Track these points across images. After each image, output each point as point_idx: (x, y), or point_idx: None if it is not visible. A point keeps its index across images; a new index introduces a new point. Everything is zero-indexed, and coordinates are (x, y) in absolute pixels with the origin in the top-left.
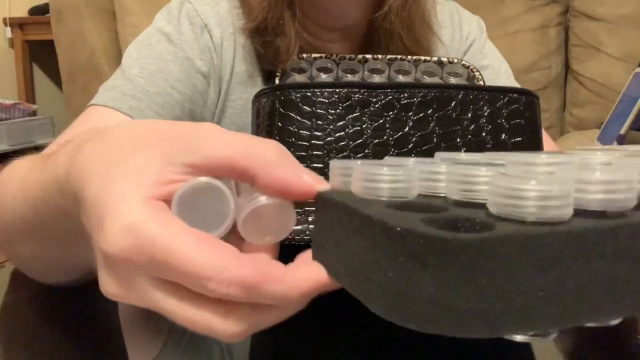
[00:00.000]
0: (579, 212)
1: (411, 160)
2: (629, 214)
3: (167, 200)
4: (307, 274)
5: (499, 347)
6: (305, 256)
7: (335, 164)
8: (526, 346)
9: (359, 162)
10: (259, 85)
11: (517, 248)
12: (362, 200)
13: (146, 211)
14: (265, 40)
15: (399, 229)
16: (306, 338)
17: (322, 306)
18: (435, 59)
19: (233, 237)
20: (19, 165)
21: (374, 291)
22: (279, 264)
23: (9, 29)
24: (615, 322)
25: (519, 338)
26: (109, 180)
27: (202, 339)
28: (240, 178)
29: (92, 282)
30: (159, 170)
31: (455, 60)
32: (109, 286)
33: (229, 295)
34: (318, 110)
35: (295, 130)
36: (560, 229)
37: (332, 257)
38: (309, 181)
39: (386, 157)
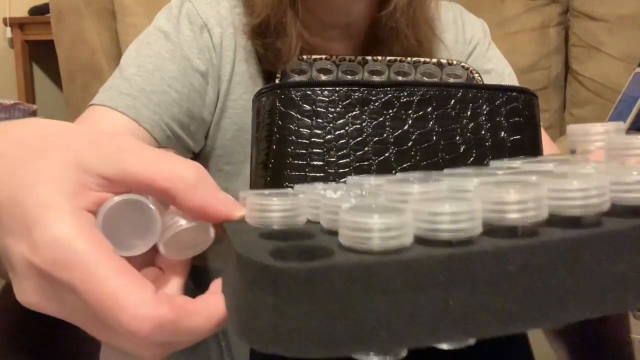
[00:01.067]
0: (426, 242)
1: (330, 186)
2: (475, 240)
3: (89, 210)
4: (217, 304)
5: (498, 348)
6: (216, 285)
7: (242, 195)
8: (526, 346)
9: (254, 192)
10: (259, 85)
11: (346, 276)
12: (242, 229)
13: (75, 226)
14: (266, 41)
15: (243, 257)
16: None
17: None
18: (434, 60)
19: (151, 249)
20: None
21: (232, 313)
22: (189, 299)
23: (9, 29)
24: (470, 342)
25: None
26: (24, 185)
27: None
28: (159, 197)
29: None
30: (76, 178)
31: (455, 62)
32: (28, 296)
33: (140, 331)
34: (318, 109)
35: (296, 128)
36: (393, 258)
37: (225, 285)
38: (225, 208)
39: (348, 178)
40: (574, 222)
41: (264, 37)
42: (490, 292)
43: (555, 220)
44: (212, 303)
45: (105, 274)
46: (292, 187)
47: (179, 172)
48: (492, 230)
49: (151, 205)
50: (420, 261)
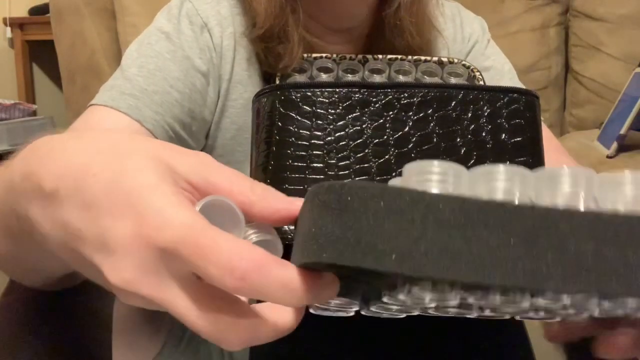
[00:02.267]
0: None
1: None
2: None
3: None
4: (312, 272)
5: (498, 348)
6: None
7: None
8: (526, 346)
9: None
10: (259, 85)
11: (380, 199)
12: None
13: (182, 204)
14: (268, 46)
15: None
16: (306, 339)
17: None
18: (435, 59)
19: None
20: None
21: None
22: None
23: (9, 29)
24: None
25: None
26: (123, 173)
27: (201, 340)
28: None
29: (90, 284)
30: (171, 175)
31: (456, 60)
32: (125, 272)
33: (240, 269)
34: (318, 110)
35: (296, 129)
36: (418, 195)
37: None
38: (296, 204)
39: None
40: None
41: (266, 42)
42: (516, 245)
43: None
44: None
45: (204, 227)
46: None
47: (254, 185)
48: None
49: (237, 209)
50: (456, 200)
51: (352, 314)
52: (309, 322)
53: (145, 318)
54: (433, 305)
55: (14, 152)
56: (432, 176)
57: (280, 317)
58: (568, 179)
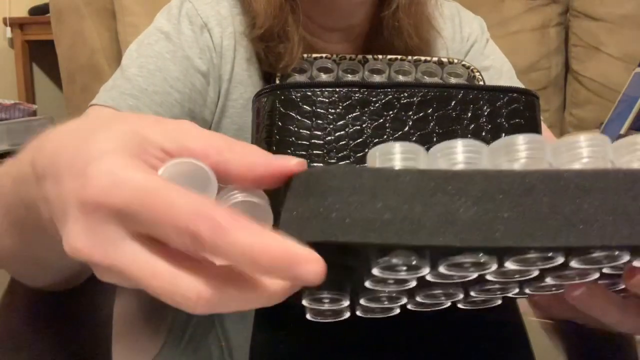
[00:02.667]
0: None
1: None
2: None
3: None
4: (283, 239)
5: (498, 348)
6: None
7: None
8: (526, 346)
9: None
10: (259, 85)
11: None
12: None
13: (132, 164)
14: (268, 45)
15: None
16: (306, 339)
17: None
18: (435, 59)
19: None
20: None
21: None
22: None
23: (9, 29)
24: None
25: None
26: (88, 139)
27: (201, 340)
28: (213, 170)
29: (90, 284)
30: (138, 143)
31: (456, 61)
32: (75, 240)
33: (197, 230)
34: (318, 110)
35: (296, 129)
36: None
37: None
38: (282, 160)
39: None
40: None
41: (266, 42)
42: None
43: None
44: (277, 234)
45: (160, 186)
46: None
47: (233, 144)
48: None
49: (207, 169)
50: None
51: (347, 315)
52: (308, 322)
53: (144, 318)
54: (407, 278)
55: (14, 152)
56: (394, 155)
57: (262, 282)
58: (523, 145)
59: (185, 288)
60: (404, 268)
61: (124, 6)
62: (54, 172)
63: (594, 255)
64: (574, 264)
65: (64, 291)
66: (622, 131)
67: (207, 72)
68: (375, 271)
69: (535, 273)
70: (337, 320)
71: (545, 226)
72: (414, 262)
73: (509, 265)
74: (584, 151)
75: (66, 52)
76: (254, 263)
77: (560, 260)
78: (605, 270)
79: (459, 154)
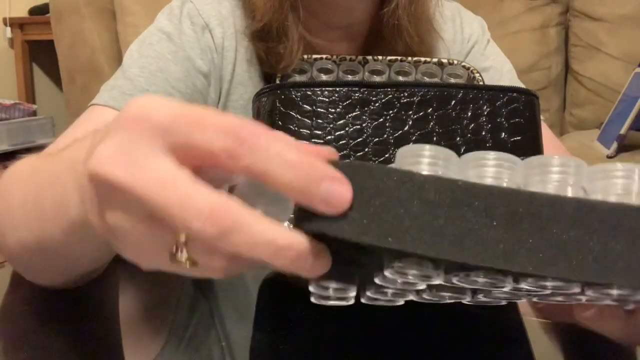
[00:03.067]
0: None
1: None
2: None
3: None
4: (286, 231)
5: (498, 348)
6: None
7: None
8: (526, 346)
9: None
10: (260, 86)
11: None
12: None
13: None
14: (267, 45)
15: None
16: (306, 338)
17: (322, 307)
18: (435, 60)
19: None
20: (27, 159)
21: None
22: None
23: (9, 29)
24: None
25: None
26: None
27: (202, 339)
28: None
29: (92, 283)
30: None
31: (455, 62)
32: (104, 150)
33: (236, 132)
34: (318, 109)
35: (296, 128)
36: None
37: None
38: (318, 148)
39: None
40: None
41: (266, 41)
42: (501, 228)
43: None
44: (281, 228)
45: (197, 107)
46: None
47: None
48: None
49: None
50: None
51: (351, 301)
52: (308, 321)
53: (146, 318)
54: (418, 282)
55: (14, 152)
56: (422, 159)
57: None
58: (557, 167)
59: (200, 199)
60: (417, 274)
61: (124, 6)
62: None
63: (613, 291)
64: (590, 293)
65: (64, 290)
66: (622, 131)
67: (208, 73)
68: (388, 273)
69: (548, 292)
70: (341, 304)
71: (570, 258)
72: (427, 272)
73: (524, 285)
74: (619, 182)
75: (66, 52)
76: (254, 249)
77: (576, 289)
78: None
79: (490, 167)
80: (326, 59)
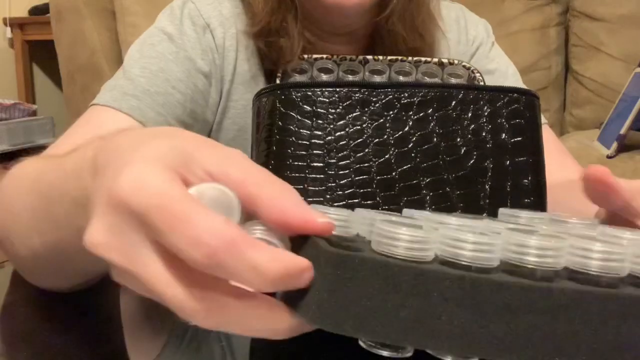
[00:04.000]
0: (447, 263)
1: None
2: (491, 272)
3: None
4: (287, 254)
5: None
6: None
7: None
8: None
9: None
10: (261, 86)
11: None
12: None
13: (163, 173)
14: (269, 40)
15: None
16: (306, 339)
17: None
18: (435, 60)
19: None
20: (31, 162)
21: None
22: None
23: (9, 29)
24: None
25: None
26: (141, 146)
27: (203, 339)
28: (245, 201)
29: (93, 283)
30: (181, 161)
31: (456, 62)
32: (96, 234)
33: (209, 245)
34: (318, 110)
35: (296, 129)
36: (410, 264)
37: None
38: (310, 214)
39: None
40: (590, 280)
41: (267, 37)
42: (487, 320)
43: (573, 275)
44: (282, 251)
45: (180, 196)
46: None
47: (270, 181)
48: (511, 270)
49: (233, 197)
50: (434, 272)
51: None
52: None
53: (146, 318)
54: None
55: (14, 152)
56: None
57: (268, 309)
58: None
59: (194, 302)
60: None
61: (124, 6)
62: (102, 168)
63: None
64: None
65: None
66: (622, 131)
67: (209, 73)
68: (361, 343)
69: None
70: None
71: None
72: (397, 353)
73: None
74: None
75: (66, 52)
76: (260, 280)
77: None
78: None
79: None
80: (326, 58)
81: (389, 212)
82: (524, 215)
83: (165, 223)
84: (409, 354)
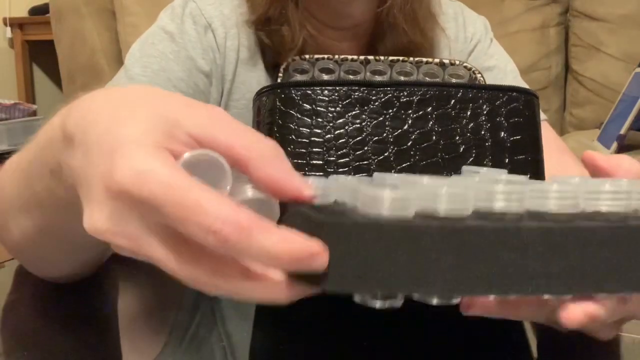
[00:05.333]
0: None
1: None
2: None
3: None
4: (297, 236)
5: (498, 348)
6: None
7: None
8: (526, 346)
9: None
10: (261, 85)
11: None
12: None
13: (159, 157)
14: (270, 29)
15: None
16: (306, 339)
17: (322, 307)
18: (437, 60)
19: None
20: (14, 156)
21: None
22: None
23: (9, 29)
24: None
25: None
26: (119, 121)
27: (203, 339)
28: (234, 164)
29: (93, 283)
30: (166, 129)
31: (457, 62)
32: (98, 221)
33: (222, 231)
34: (318, 108)
35: (296, 127)
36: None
37: None
38: (296, 186)
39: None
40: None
41: (268, 25)
42: (469, 261)
43: (535, 215)
44: (291, 233)
45: (187, 185)
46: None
47: (258, 143)
48: (481, 215)
49: (224, 163)
50: (417, 227)
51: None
52: (309, 321)
53: (146, 317)
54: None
55: (14, 152)
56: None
57: (270, 275)
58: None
59: (208, 279)
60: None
61: (124, 6)
62: (83, 141)
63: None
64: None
65: (64, 290)
66: (622, 131)
67: (210, 73)
68: (355, 298)
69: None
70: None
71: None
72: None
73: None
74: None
75: (66, 52)
76: (273, 262)
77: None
78: None
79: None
80: (328, 59)
81: (363, 177)
82: (484, 170)
83: (175, 213)
84: (400, 303)
